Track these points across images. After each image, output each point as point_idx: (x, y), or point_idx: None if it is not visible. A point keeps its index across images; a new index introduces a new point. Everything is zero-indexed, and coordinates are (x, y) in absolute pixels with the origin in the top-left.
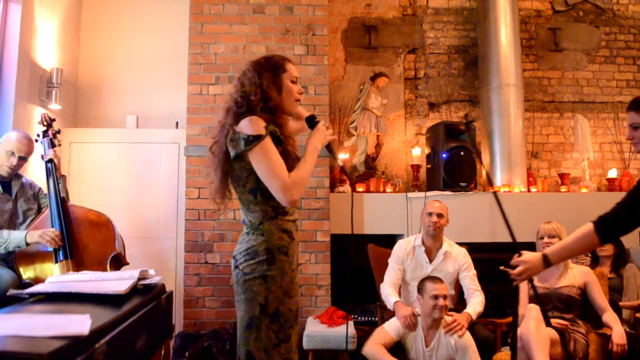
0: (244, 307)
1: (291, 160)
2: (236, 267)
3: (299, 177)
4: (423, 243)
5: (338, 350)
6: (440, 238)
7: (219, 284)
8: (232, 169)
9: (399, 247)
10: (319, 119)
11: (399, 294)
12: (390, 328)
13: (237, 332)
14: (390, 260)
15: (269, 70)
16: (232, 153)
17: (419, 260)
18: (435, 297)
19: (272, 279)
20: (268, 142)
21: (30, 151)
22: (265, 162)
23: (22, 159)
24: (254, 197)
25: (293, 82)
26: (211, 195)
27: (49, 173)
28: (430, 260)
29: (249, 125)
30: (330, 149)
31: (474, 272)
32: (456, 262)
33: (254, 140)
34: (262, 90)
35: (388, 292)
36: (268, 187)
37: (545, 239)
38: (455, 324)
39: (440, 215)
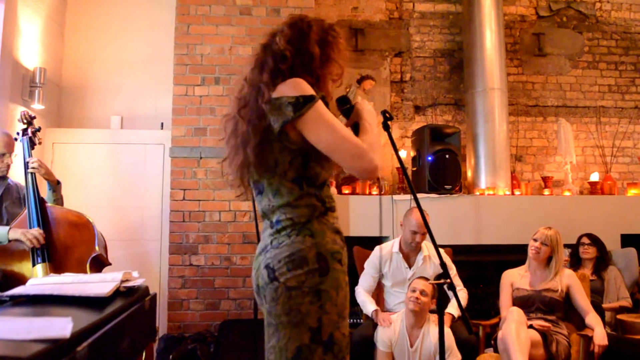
0: (287, 333)
1: None
2: (274, 279)
3: (373, 142)
4: (401, 249)
5: None
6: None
7: (203, 286)
8: (270, 149)
9: (375, 255)
10: (355, 103)
11: (382, 299)
12: (384, 345)
13: None
14: (366, 265)
15: (319, 34)
16: (276, 126)
17: (397, 266)
18: (413, 290)
19: (327, 295)
20: (322, 104)
21: (14, 143)
22: (329, 124)
23: (11, 154)
24: (300, 189)
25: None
26: (229, 183)
27: (27, 177)
28: (410, 266)
29: (294, 87)
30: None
31: (454, 272)
32: (436, 264)
33: (306, 102)
34: (308, 52)
35: (364, 299)
36: (336, 156)
37: (537, 243)
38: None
39: (424, 234)
